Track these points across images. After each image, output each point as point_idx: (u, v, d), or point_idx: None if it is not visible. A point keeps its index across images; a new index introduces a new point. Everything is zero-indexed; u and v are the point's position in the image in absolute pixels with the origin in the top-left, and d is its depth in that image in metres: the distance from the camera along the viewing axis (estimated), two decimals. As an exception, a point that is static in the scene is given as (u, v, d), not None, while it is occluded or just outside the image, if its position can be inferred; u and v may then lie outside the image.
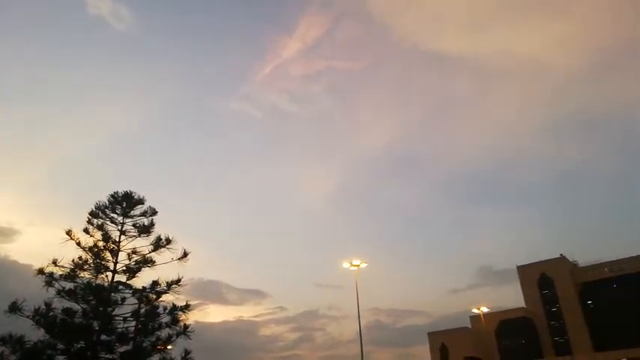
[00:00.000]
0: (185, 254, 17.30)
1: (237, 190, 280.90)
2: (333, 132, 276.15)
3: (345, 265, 48.05)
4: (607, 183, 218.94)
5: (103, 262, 16.94)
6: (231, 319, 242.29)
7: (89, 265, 16.73)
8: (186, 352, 16.29)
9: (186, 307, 16.74)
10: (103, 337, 16.23)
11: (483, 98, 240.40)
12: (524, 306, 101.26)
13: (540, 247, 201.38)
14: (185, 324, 16.52)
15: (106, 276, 16.88)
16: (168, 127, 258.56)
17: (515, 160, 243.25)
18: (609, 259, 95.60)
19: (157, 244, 17.32)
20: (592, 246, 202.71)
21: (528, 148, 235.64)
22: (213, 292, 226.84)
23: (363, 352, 40.47)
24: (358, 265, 48.08)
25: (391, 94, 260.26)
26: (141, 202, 18.03)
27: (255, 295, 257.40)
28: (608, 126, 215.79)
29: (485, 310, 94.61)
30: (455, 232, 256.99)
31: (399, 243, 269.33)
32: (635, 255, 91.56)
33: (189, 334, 16.38)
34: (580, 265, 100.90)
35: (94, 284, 16.45)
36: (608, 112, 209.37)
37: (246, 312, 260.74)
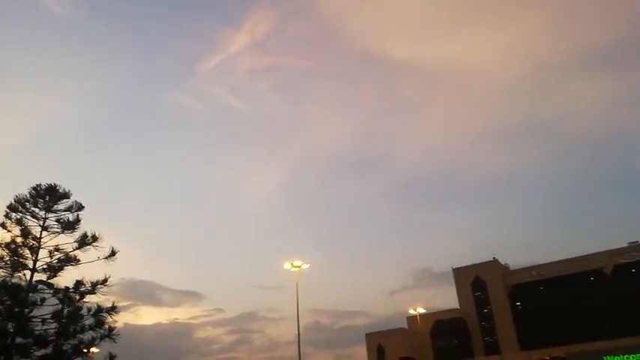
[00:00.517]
0: (113, 253, 16.53)
1: (176, 187, 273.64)
2: (279, 130, 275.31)
3: (287, 266, 48.04)
4: (546, 189, 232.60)
5: (21, 260, 15.87)
6: (164, 321, 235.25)
7: (5, 262, 15.63)
8: (111, 356, 15.59)
9: (113, 309, 16.01)
10: (19, 340, 15.22)
11: (431, 103, 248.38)
12: (459, 307, 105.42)
13: (477, 249, 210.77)
14: (110, 326, 15.79)
15: (24, 274, 15.82)
16: (103, 117, 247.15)
17: (457, 165, 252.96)
18: (542, 262, 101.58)
19: (83, 242, 16.44)
20: (526, 249, 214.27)
21: (471, 153, 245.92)
22: (146, 293, 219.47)
23: (301, 354, 40.53)
24: (299, 267, 48.19)
25: (340, 94, 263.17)
26: (66, 196, 17.03)
27: (191, 296, 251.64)
28: (551, 133, 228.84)
29: (421, 310, 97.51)
30: (397, 234, 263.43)
31: (341, 243, 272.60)
32: (559, 259, 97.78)
33: (114, 337, 15.67)
34: (511, 269, 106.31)
35: (9, 283, 15.38)
36: (551, 120, 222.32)
37: (181, 314, 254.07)
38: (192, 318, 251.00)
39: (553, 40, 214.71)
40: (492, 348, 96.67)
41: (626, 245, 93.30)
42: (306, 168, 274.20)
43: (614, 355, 66.94)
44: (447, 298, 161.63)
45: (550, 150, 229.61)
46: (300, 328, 46.69)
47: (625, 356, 66.03)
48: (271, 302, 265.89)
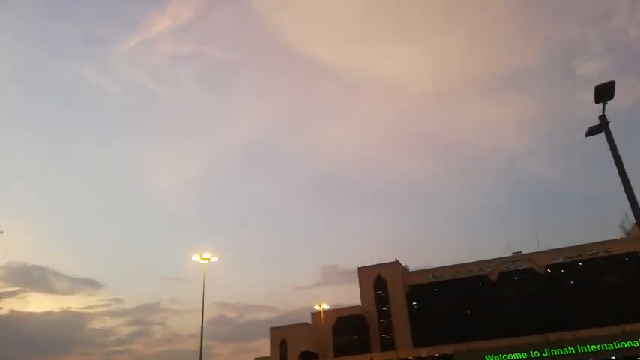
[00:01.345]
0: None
1: (80, 169, 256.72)
2: (196, 118, 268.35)
3: (195, 257, 48.07)
4: (447, 199, 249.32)
5: None
6: (56, 309, 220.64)
7: None
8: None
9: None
10: None
11: (346, 107, 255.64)
12: (361, 304, 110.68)
13: (382, 250, 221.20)
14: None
15: None
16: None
17: (367, 169, 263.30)
18: (438, 266, 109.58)
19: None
20: (425, 252, 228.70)
21: (381, 159, 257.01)
22: (39, 279, 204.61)
23: (204, 347, 41.11)
24: (208, 259, 48.45)
25: (260, 88, 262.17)
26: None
27: (88, 284, 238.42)
28: (454, 148, 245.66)
29: (325, 307, 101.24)
30: (307, 231, 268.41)
31: (252, 238, 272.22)
32: (453, 264, 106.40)
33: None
34: (410, 270, 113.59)
35: None
36: (456, 136, 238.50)
37: (76, 302, 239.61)
38: (88, 307, 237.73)
39: (464, 60, 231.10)
40: (389, 344, 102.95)
41: (511, 255, 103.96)
42: (222, 159, 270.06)
43: (495, 354, 74.16)
44: (353, 296, 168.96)
45: (453, 163, 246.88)
46: (205, 321, 47.17)
47: (504, 355, 73.43)
48: (175, 294, 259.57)
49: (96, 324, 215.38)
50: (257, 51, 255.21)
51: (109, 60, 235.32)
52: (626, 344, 66.75)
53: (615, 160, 15.01)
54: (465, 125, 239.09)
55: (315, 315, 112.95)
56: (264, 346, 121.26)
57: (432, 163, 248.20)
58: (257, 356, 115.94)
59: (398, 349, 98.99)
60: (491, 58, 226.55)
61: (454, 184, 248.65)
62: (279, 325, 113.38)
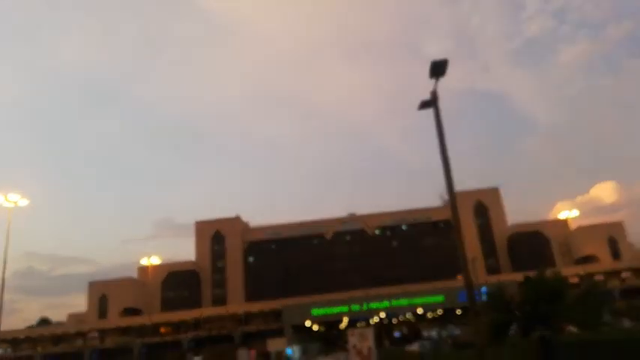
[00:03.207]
0: None
1: None
2: (25, 32, 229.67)
3: (-2, 199, 42.06)
4: (301, 161, 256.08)
5: None
6: None
7: None
8: None
9: None
10: None
11: (204, 49, 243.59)
12: (195, 260, 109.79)
13: (222, 205, 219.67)
14: None
15: None
16: None
17: (223, 122, 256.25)
18: (279, 223, 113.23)
19: None
20: (268, 210, 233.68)
21: (236, 112, 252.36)
22: None
23: (8, 302, 36.88)
24: (16, 203, 42.82)
25: (105, 12, 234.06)
26: None
27: None
28: (312, 112, 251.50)
29: (156, 261, 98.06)
30: (139, 179, 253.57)
31: (73, 182, 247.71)
32: (292, 222, 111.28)
33: None
34: (251, 227, 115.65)
35: None
36: (314, 100, 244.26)
37: None
38: None
39: (324, 24, 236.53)
40: (221, 300, 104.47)
41: (346, 215, 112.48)
42: (55, 88, 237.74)
43: (321, 307, 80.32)
44: (189, 251, 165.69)
45: (307, 126, 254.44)
46: (9, 273, 41.90)
47: (328, 309, 79.92)
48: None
49: None
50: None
51: None
52: (432, 299, 77.87)
53: (439, 135, 16.61)
54: (323, 89, 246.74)
55: (142, 270, 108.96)
56: (80, 301, 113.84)
57: (286, 123, 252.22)
58: (72, 312, 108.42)
59: (229, 304, 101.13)
60: (348, 25, 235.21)
61: (306, 146, 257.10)
62: (101, 279, 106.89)
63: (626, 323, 40.97)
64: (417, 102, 17.28)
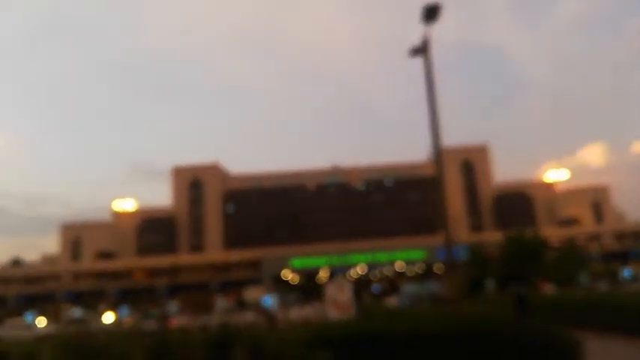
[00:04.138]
0: None
1: None
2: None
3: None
4: (278, 107, 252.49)
5: None
6: None
7: None
8: None
9: None
10: None
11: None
12: (172, 205, 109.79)
13: (202, 151, 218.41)
14: None
15: None
16: None
17: (195, 61, 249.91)
18: (258, 172, 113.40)
19: None
20: (250, 159, 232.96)
21: (212, 52, 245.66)
22: None
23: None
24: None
25: None
26: None
27: None
28: (291, 54, 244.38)
29: (130, 204, 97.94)
30: (115, 121, 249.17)
31: (47, 121, 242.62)
32: (272, 172, 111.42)
33: None
34: (231, 175, 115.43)
35: None
36: (293, 42, 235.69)
37: None
38: None
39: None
40: (198, 247, 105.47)
41: (331, 168, 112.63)
42: (15, 14, 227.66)
43: (300, 258, 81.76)
44: (165, 197, 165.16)
45: (285, 69, 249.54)
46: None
47: (309, 259, 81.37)
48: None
49: None
50: None
51: None
52: (413, 254, 79.78)
53: (427, 84, 16.33)
54: (308, 35, 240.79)
55: (118, 214, 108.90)
56: (51, 244, 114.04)
57: (266, 67, 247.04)
58: (46, 253, 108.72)
59: (206, 250, 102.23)
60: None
61: (284, 91, 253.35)
62: (74, 222, 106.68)
63: (603, 286, 42.57)
64: (406, 51, 16.90)
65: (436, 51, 16.65)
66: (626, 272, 59.31)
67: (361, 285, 68.52)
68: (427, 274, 77.91)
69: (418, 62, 16.91)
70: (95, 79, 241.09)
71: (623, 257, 79.13)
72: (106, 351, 4.49)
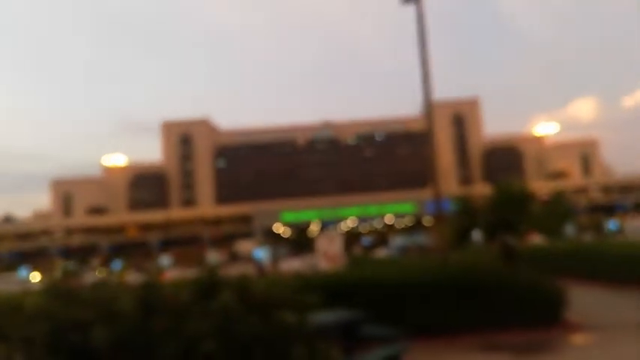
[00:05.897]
0: None
1: None
2: None
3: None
4: (268, 60, 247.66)
5: None
6: None
7: None
8: None
9: None
10: None
11: None
12: (163, 160, 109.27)
13: (191, 105, 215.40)
14: None
15: None
16: None
17: (183, 12, 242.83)
18: (247, 126, 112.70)
19: None
20: (241, 113, 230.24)
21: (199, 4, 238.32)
22: None
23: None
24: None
25: None
26: None
27: None
28: (280, 5, 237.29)
29: (119, 159, 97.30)
30: (102, 75, 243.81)
31: (34, 75, 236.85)
32: (262, 127, 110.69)
33: None
34: (221, 130, 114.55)
35: None
36: None
37: None
38: None
39: None
40: (189, 202, 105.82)
41: (321, 122, 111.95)
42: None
43: (291, 212, 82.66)
44: (155, 152, 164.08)
45: (275, 20, 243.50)
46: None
47: (300, 212, 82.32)
48: None
49: None
50: None
51: None
52: (403, 207, 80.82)
53: (419, 34, 15.96)
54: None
55: (109, 170, 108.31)
56: (42, 200, 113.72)
57: (252, 17, 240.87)
58: (37, 209, 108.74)
59: (198, 205, 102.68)
60: None
61: (273, 43, 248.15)
62: (64, 178, 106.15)
63: (588, 237, 43.59)
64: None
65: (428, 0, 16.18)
66: (612, 224, 60.53)
67: (351, 237, 69.56)
68: (416, 226, 79.12)
69: (410, 12, 16.48)
70: (78, 31, 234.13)
71: (610, 210, 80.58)
72: (94, 295, 4.51)
